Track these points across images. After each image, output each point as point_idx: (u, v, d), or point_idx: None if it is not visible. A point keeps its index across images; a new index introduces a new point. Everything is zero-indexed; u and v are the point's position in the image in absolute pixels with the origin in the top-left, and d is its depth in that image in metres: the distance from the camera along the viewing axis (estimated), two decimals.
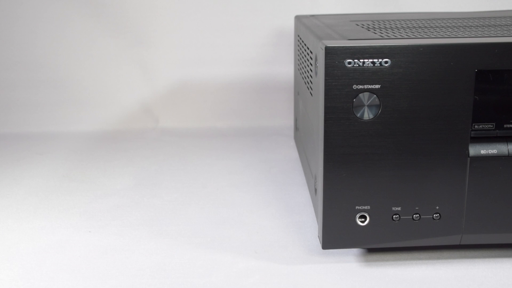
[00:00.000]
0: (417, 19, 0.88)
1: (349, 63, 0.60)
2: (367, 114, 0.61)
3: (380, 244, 0.66)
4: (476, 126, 0.63)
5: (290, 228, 0.77)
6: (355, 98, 0.61)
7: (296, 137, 1.07)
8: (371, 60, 0.60)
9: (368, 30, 0.74)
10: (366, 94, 0.61)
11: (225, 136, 1.20)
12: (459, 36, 0.66)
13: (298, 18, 1.00)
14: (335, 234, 0.65)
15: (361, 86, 0.61)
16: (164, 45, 1.24)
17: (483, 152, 0.63)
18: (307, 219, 0.79)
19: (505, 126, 0.63)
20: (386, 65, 0.60)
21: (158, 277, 0.66)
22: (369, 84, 0.61)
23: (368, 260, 0.69)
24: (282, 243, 0.73)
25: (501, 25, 0.77)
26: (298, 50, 0.96)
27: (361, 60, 0.60)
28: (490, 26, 0.76)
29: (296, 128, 1.06)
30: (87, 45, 1.23)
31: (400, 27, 0.77)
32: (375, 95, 0.61)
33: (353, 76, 0.60)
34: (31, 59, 1.24)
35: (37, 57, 1.24)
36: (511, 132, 0.63)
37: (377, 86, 0.61)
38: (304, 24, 0.87)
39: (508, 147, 0.63)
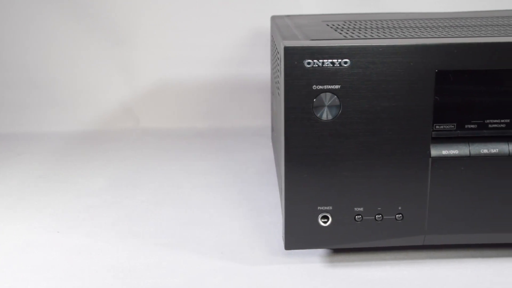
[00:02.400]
0: (391, 20, 0.88)
1: (309, 63, 0.60)
2: (328, 115, 0.61)
3: (343, 245, 0.66)
4: (437, 127, 0.63)
5: (259, 228, 0.77)
6: (315, 98, 0.61)
7: (272, 138, 1.07)
8: (331, 60, 0.60)
9: (335, 31, 0.74)
10: (326, 94, 0.61)
11: (205, 137, 1.20)
12: (421, 36, 0.66)
13: (273, 19, 1.00)
14: (297, 235, 0.65)
15: (321, 87, 0.61)
16: (144, 45, 1.24)
17: (444, 152, 0.63)
18: (277, 220, 0.79)
19: (466, 126, 0.63)
20: (345, 65, 0.60)
21: (121, 278, 0.66)
22: (329, 85, 0.61)
23: (332, 260, 0.69)
24: (249, 244, 0.73)
25: (466, 26, 0.77)
26: (272, 51, 0.96)
27: (321, 61, 0.60)
28: (456, 26, 0.76)
29: (272, 129, 1.06)
30: (67, 45, 1.23)
31: (370, 27, 0.77)
32: (335, 96, 0.61)
33: (312, 77, 0.60)
34: (12, 60, 1.25)
35: (17, 58, 1.24)
36: (472, 132, 0.63)
37: (337, 87, 0.61)
38: (276, 25, 0.87)
39: (470, 147, 0.63)
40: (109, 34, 1.23)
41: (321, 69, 0.60)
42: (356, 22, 0.84)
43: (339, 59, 0.60)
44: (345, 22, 0.84)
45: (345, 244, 0.66)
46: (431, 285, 0.63)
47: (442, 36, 0.66)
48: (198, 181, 0.95)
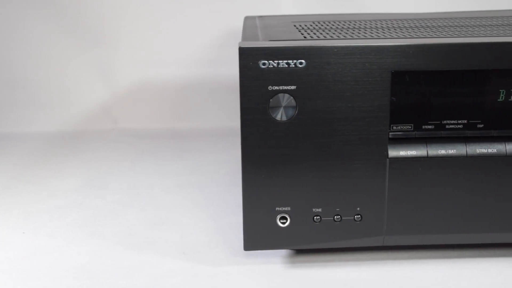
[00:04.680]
0: (362, 20, 0.87)
1: (264, 64, 0.60)
2: (284, 115, 0.61)
3: (302, 246, 0.66)
4: (394, 127, 0.63)
5: (225, 229, 0.77)
6: (271, 99, 0.61)
7: None
8: (286, 61, 0.60)
9: (299, 31, 0.74)
10: (282, 95, 0.61)
11: (183, 137, 1.20)
12: (379, 37, 0.66)
13: (245, 19, 1.00)
14: (256, 235, 0.65)
15: (276, 87, 0.61)
16: (122, 45, 1.24)
17: (402, 153, 0.63)
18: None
19: (423, 127, 0.63)
20: (301, 66, 0.60)
21: (81, 279, 0.66)
22: (284, 85, 0.61)
23: (294, 261, 0.69)
24: (213, 244, 0.73)
25: (429, 27, 0.77)
26: None
27: (276, 61, 0.60)
28: (420, 27, 0.76)
29: None
30: (45, 45, 1.23)
31: (336, 28, 0.77)
32: (291, 96, 0.61)
33: (268, 77, 0.60)
34: None
35: None
36: (430, 133, 0.63)
37: (293, 87, 0.61)
38: (245, 25, 0.87)
39: (427, 148, 0.63)
40: (87, 34, 1.23)
41: (277, 70, 0.60)
42: (325, 23, 0.84)
43: (295, 59, 0.60)
44: (314, 23, 0.84)
45: (304, 245, 0.66)
46: (388, 286, 0.63)
47: (399, 37, 0.66)
48: (170, 181, 0.95)
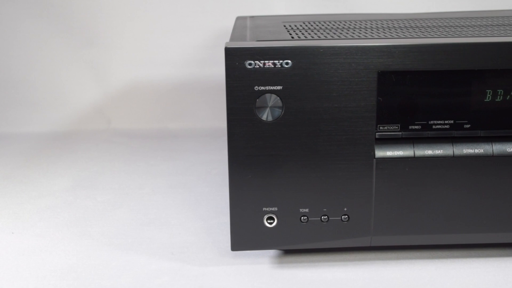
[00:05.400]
0: (352, 20, 0.87)
1: (250, 64, 0.60)
2: (270, 116, 0.61)
3: (289, 246, 0.66)
4: (381, 128, 0.63)
5: (213, 229, 0.77)
6: (257, 99, 0.61)
7: None
8: (272, 61, 0.60)
9: (288, 32, 0.73)
10: (268, 95, 0.61)
11: (176, 137, 1.20)
12: (366, 37, 0.66)
13: (237, 19, 1.00)
14: (243, 236, 0.65)
15: (262, 88, 0.61)
16: (115, 46, 1.24)
17: (389, 153, 0.63)
18: None
19: (410, 127, 0.63)
20: (287, 66, 0.60)
21: (67, 279, 0.66)
22: (270, 85, 0.61)
23: (281, 261, 0.69)
24: (201, 245, 0.73)
25: (418, 27, 0.77)
26: None
27: (262, 62, 0.60)
28: (408, 28, 0.76)
29: None
30: (37, 46, 1.23)
31: (326, 28, 0.77)
32: (277, 97, 0.61)
33: (254, 77, 0.60)
34: None
35: None
36: (417, 133, 0.63)
37: (279, 88, 0.61)
38: (235, 25, 0.87)
39: (414, 148, 0.63)
40: (80, 35, 1.23)
41: (263, 70, 0.60)
42: (316, 23, 0.84)
43: (281, 60, 0.60)
44: (305, 23, 0.84)
45: (291, 245, 0.66)
46: (375, 286, 0.63)
47: (386, 37, 0.66)
48: (161, 182, 0.95)
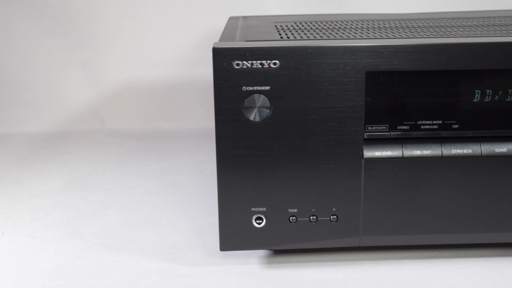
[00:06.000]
0: (343, 21, 0.87)
1: (238, 64, 0.60)
2: (258, 116, 0.61)
3: (278, 246, 0.66)
4: (369, 128, 0.63)
5: (204, 230, 0.77)
6: (245, 99, 0.61)
7: None
8: (260, 61, 0.60)
9: (278, 32, 0.73)
10: (257, 95, 0.61)
11: (170, 137, 1.20)
12: (355, 37, 0.66)
13: (229, 20, 1.00)
14: (232, 236, 0.65)
15: (250, 88, 0.61)
16: (109, 46, 1.24)
17: (377, 153, 0.63)
18: None
19: (398, 127, 0.63)
20: (275, 66, 0.60)
21: (56, 279, 0.66)
22: (258, 86, 0.60)
23: (271, 262, 0.69)
24: (191, 245, 0.73)
25: (408, 27, 0.77)
26: None
27: (250, 62, 0.60)
28: (400, 28, 0.76)
29: None
30: (31, 46, 1.23)
31: (316, 28, 0.77)
32: (265, 97, 0.61)
33: (242, 78, 0.60)
34: None
35: None
36: (405, 133, 0.63)
37: (267, 88, 0.61)
38: (226, 26, 0.87)
39: (403, 148, 0.63)
40: (74, 35, 1.23)
41: (251, 70, 0.60)
42: (307, 24, 0.84)
43: (268, 60, 0.60)
44: (296, 23, 0.84)
45: (280, 246, 0.66)
46: (364, 286, 0.63)
47: (375, 37, 0.66)
48: (153, 182, 0.95)
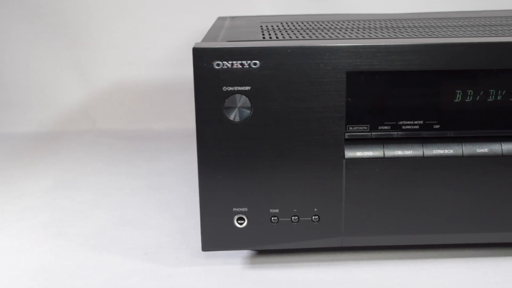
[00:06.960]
0: (330, 21, 0.87)
1: (218, 64, 0.60)
2: (238, 116, 0.61)
3: (260, 246, 0.66)
4: (350, 128, 0.63)
5: (188, 230, 0.77)
6: (226, 99, 0.61)
7: None
8: (240, 61, 0.60)
9: (262, 32, 0.73)
10: (238, 96, 0.61)
11: (161, 138, 1.20)
12: (336, 37, 0.66)
13: (218, 20, 1.00)
14: (214, 236, 0.65)
15: (231, 88, 0.61)
16: (100, 46, 1.24)
17: (358, 154, 0.63)
18: None
19: (379, 127, 0.63)
20: (255, 66, 0.60)
21: (38, 279, 0.66)
22: (239, 86, 0.61)
23: (253, 262, 0.69)
24: (175, 245, 0.73)
25: (392, 28, 0.77)
26: None
27: (230, 62, 0.60)
28: (384, 28, 0.76)
29: None
30: (22, 46, 1.24)
31: (301, 28, 0.77)
32: (246, 97, 0.61)
33: (222, 78, 0.60)
34: None
35: None
36: (386, 133, 0.63)
37: (247, 88, 0.61)
38: (212, 26, 0.87)
39: (384, 148, 0.63)
40: (65, 35, 1.23)
41: (231, 71, 0.60)
42: (293, 24, 0.84)
43: (249, 60, 0.60)
44: (282, 24, 0.84)
45: (262, 246, 0.66)
46: (345, 286, 0.63)
47: (357, 37, 0.66)
48: (142, 182, 0.95)
